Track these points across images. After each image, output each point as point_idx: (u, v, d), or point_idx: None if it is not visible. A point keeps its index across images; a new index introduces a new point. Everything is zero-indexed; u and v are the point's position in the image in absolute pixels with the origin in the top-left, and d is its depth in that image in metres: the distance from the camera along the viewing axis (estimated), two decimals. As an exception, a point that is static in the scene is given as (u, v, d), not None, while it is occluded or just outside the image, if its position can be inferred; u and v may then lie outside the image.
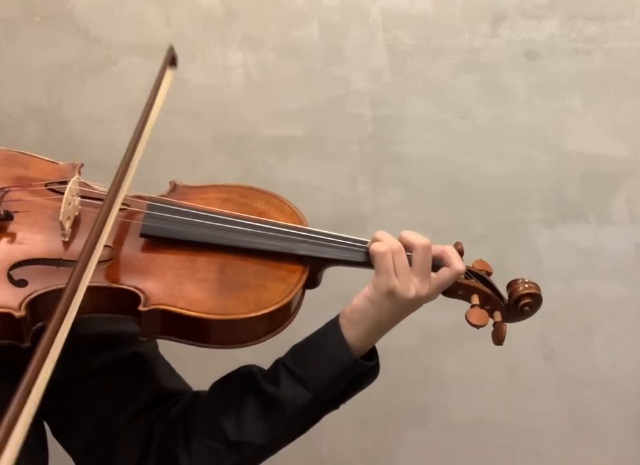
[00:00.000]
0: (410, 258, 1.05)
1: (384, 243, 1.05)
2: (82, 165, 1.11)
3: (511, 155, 1.96)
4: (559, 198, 1.99)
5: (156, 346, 1.19)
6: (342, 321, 1.08)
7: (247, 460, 1.10)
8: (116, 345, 0.92)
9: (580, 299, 2.05)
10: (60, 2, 1.87)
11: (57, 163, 1.11)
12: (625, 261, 2.03)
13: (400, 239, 1.07)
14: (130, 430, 1.12)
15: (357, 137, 1.96)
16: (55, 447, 1.19)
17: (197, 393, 1.17)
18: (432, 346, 2.08)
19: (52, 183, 1.06)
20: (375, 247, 1.05)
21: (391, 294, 1.04)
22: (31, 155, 1.11)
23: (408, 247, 1.06)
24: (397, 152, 1.96)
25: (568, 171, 1.97)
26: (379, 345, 1.15)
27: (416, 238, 1.05)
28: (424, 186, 1.98)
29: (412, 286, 1.05)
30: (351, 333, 1.07)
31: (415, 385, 2.11)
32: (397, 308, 1.06)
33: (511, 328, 2.05)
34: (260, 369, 1.13)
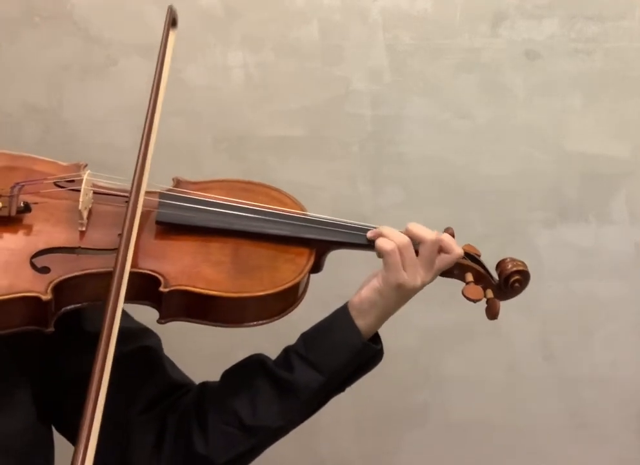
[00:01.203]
0: (416, 249, 1.11)
1: (391, 241, 1.10)
2: (86, 165, 1.14)
3: (511, 155, 1.96)
4: (559, 198, 1.99)
5: (160, 341, 1.22)
6: (351, 311, 1.13)
7: (262, 443, 1.15)
8: (123, 340, 0.94)
9: (580, 299, 2.06)
10: (60, 2, 1.87)
11: (61, 164, 1.15)
12: (625, 261, 2.03)
13: (408, 232, 1.12)
14: (143, 421, 1.15)
15: (357, 137, 1.96)
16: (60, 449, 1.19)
17: (206, 383, 1.20)
18: (432, 346, 2.08)
19: (61, 180, 1.11)
20: (382, 245, 1.10)
21: (400, 286, 1.10)
22: (35, 157, 1.15)
23: (415, 240, 1.11)
24: (397, 152, 1.96)
25: (568, 171, 1.98)
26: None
27: (424, 232, 1.11)
28: (424, 186, 1.98)
29: (419, 276, 1.11)
30: (361, 321, 1.12)
31: (415, 386, 2.11)
32: (404, 296, 1.12)
33: (511, 328, 2.06)
34: (268, 357, 1.17)
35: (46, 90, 1.92)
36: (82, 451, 0.83)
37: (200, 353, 1.95)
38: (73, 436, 1.15)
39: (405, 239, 1.10)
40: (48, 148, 1.90)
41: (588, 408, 2.12)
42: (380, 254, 1.11)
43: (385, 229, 1.12)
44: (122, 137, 1.92)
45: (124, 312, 1.15)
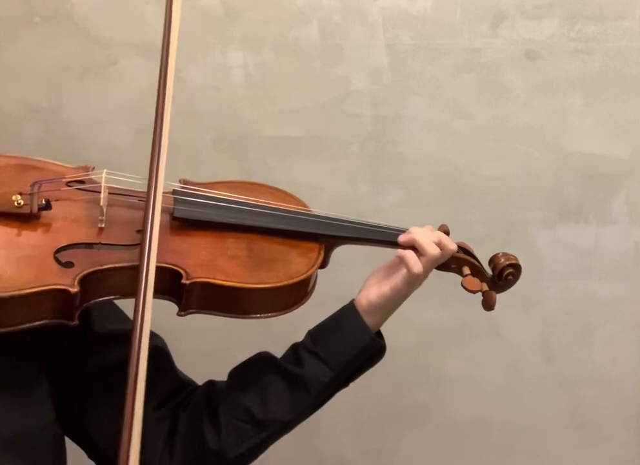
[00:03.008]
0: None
1: (420, 263, 1.13)
2: (94, 168, 1.17)
3: (511, 155, 1.96)
4: (559, 198, 1.99)
5: (165, 343, 1.23)
6: (359, 309, 1.16)
7: (272, 437, 1.17)
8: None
9: (580, 299, 2.06)
10: (60, 2, 1.87)
11: (70, 166, 1.18)
12: (625, 261, 2.03)
13: (414, 244, 1.15)
14: (155, 418, 1.17)
15: (357, 137, 1.96)
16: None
17: (213, 381, 1.22)
18: (432, 346, 2.08)
19: (75, 180, 1.14)
20: (412, 267, 1.13)
21: (408, 292, 1.15)
22: (44, 160, 1.18)
23: (417, 249, 1.15)
24: (397, 152, 1.96)
25: (568, 171, 1.98)
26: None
27: (429, 248, 1.14)
28: (424, 186, 1.98)
29: (423, 279, 1.16)
30: (367, 318, 1.15)
31: (415, 385, 2.11)
32: (408, 295, 1.16)
33: (511, 328, 2.06)
34: (274, 355, 1.19)
35: (46, 90, 1.92)
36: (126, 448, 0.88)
37: (199, 353, 1.95)
38: (81, 437, 1.18)
39: (434, 257, 1.14)
40: (48, 148, 1.91)
41: (588, 408, 2.12)
42: (406, 271, 1.13)
43: (420, 240, 1.14)
44: (122, 137, 1.92)
45: (126, 317, 1.16)
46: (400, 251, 1.15)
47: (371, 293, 1.15)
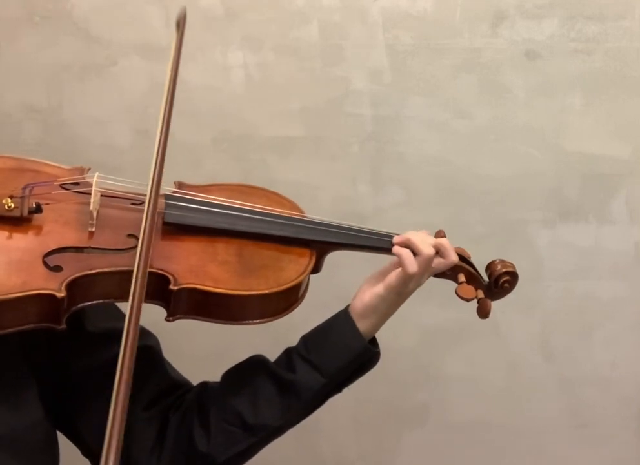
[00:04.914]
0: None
1: (415, 263, 1.13)
2: (90, 169, 1.16)
3: (511, 155, 1.96)
4: (559, 198, 1.99)
5: (158, 342, 1.23)
6: (353, 315, 1.16)
7: (261, 442, 1.17)
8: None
9: (580, 299, 2.06)
10: (60, 2, 1.87)
11: (65, 167, 1.17)
12: (625, 261, 2.03)
13: (408, 243, 1.14)
14: (145, 417, 1.17)
15: (357, 137, 1.96)
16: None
17: (206, 383, 1.22)
18: (432, 346, 2.08)
19: (68, 182, 1.14)
20: (408, 266, 1.12)
21: (402, 293, 1.15)
22: (39, 161, 1.18)
23: (413, 250, 1.14)
24: (397, 152, 1.96)
25: (568, 171, 1.98)
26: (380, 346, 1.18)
27: (423, 247, 1.13)
28: (424, 186, 1.98)
29: (418, 283, 1.16)
30: (361, 324, 1.15)
31: (415, 385, 2.11)
32: (402, 300, 1.16)
33: (511, 328, 2.06)
34: (268, 358, 1.19)
35: (46, 90, 1.92)
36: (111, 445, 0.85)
37: (198, 354, 1.95)
38: (73, 435, 1.19)
39: (428, 257, 1.13)
40: (48, 149, 1.91)
41: (588, 408, 2.12)
42: (400, 266, 1.13)
43: (416, 244, 1.14)
44: (122, 137, 1.92)
45: (121, 314, 1.16)
46: (397, 248, 1.14)
47: (365, 295, 1.15)
